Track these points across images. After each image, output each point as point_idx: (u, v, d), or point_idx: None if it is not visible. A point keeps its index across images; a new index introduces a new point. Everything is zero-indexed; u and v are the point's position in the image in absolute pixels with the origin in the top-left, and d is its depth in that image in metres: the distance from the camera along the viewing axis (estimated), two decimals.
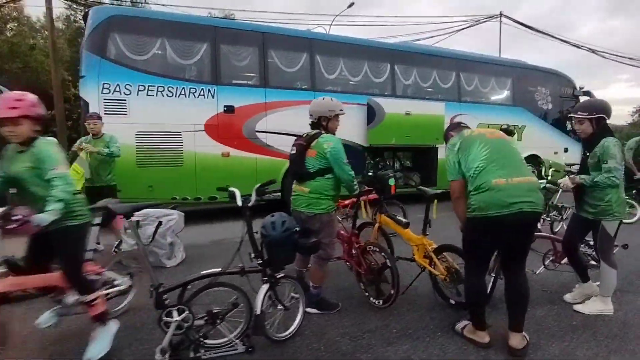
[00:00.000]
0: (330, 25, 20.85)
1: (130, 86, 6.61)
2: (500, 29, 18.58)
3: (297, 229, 2.73)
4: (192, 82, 7.10)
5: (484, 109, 10.09)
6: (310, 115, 3.27)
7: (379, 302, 3.35)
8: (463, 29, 20.16)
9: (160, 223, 3.10)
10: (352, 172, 3.18)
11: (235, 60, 7.52)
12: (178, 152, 6.94)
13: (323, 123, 3.24)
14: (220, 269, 2.59)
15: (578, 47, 20.10)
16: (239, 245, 2.59)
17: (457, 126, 3.05)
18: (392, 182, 3.63)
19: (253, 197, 2.74)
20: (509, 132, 8.18)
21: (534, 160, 10.71)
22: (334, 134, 3.28)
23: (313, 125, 3.28)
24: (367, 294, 3.46)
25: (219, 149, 7.22)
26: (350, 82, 8.51)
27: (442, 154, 9.16)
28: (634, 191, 7.88)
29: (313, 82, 8.02)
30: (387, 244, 3.92)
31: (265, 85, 7.57)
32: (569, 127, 11.67)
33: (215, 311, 2.55)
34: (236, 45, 7.50)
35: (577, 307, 3.32)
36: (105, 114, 6.42)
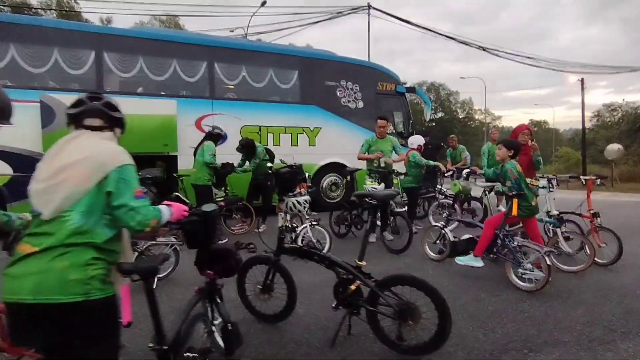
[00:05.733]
0: (248, 26, 19.23)
1: None
2: (369, 22, 16.92)
3: None
4: None
5: (257, 108, 8.27)
6: None
7: None
8: (320, 21, 18.12)
9: None
10: None
11: None
12: None
13: None
14: None
15: (466, 44, 18.62)
16: None
17: None
18: None
19: None
20: (213, 136, 6.26)
21: (338, 169, 8.93)
22: None
23: None
24: None
25: None
26: (24, 74, 6.57)
27: (183, 163, 7.30)
28: None
29: None
30: None
31: None
32: (390, 129, 9.98)
33: None
34: None
35: None
36: None
